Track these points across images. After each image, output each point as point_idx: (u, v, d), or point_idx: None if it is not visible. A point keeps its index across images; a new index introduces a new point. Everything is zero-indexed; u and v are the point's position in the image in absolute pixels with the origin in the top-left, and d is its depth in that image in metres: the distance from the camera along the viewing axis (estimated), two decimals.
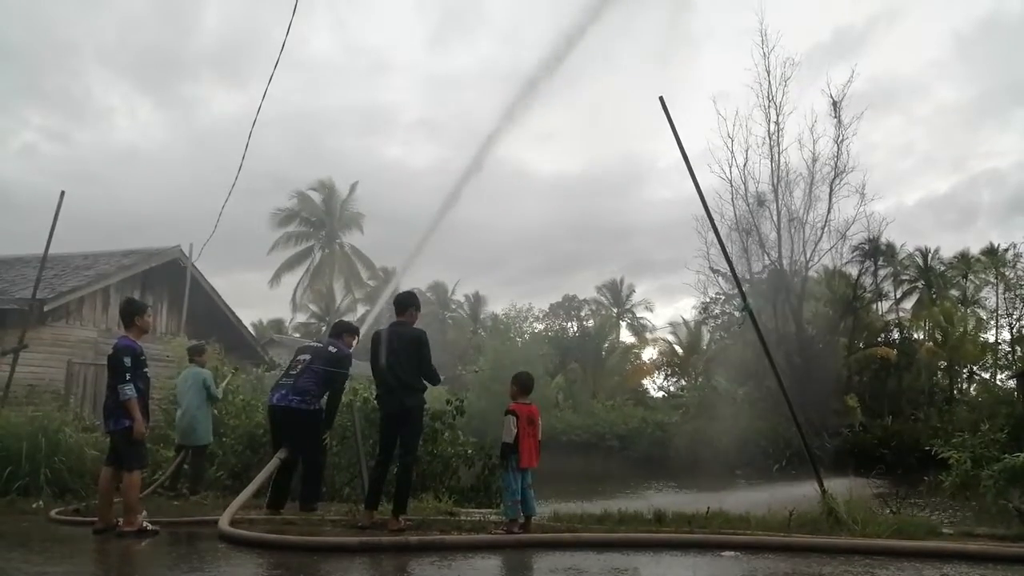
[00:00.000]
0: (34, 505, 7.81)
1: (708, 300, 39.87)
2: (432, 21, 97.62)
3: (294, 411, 7.36)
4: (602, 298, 56.81)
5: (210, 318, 18.93)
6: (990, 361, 42.11)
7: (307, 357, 7.64)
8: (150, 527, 6.30)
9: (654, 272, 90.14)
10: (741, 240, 32.08)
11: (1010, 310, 44.05)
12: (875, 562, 5.60)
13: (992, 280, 45.12)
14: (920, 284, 44.44)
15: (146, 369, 6.54)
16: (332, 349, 7.72)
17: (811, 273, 33.87)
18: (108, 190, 74.24)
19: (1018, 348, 41.08)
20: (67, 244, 14.77)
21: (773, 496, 9.78)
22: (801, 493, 7.93)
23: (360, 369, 9.76)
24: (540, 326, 53.20)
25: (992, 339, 43.43)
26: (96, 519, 6.47)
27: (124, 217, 64.92)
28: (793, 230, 32.39)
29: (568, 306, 56.26)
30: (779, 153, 32.41)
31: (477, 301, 54.40)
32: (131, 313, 6.68)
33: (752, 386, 32.11)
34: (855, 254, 34.21)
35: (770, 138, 32.50)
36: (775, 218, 32.42)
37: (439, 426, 10.18)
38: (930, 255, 44.50)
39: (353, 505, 7.77)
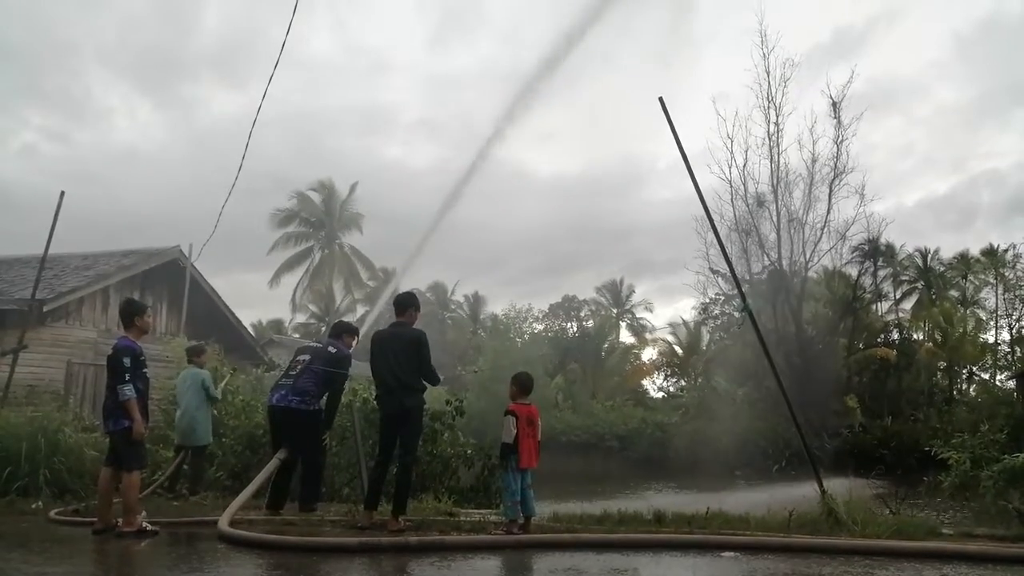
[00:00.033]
0: (33, 505, 7.81)
1: (708, 301, 39.97)
2: (432, 21, 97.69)
3: (294, 411, 7.36)
4: (602, 298, 56.91)
5: (210, 318, 18.92)
6: (990, 362, 42.19)
7: (307, 357, 7.64)
8: (149, 527, 6.30)
9: (654, 272, 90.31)
10: (741, 241, 32.11)
11: (1009, 311, 44.18)
12: (875, 563, 5.60)
13: (992, 281, 45.20)
14: (920, 285, 44.49)
15: (145, 370, 6.54)
16: (332, 349, 7.72)
17: (811, 274, 33.94)
18: (108, 190, 74.37)
19: (1017, 349, 41.14)
20: (67, 244, 14.79)
21: (773, 497, 9.78)
22: (801, 494, 7.92)
23: (360, 369, 9.76)
24: (540, 326, 53.30)
25: (992, 340, 43.55)
26: (95, 519, 6.47)
27: (124, 217, 65.04)
28: (793, 231, 32.45)
29: (568, 306, 56.31)
30: (779, 154, 32.49)
31: (477, 301, 54.45)
32: (131, 313, 6.68)
33: (752, 387, 32.12)
34: (855, 255, 34.28)
35: (770, 139, 32.58)
36: (775, 219, 32.47)
37: (439, 426, 10.18)
38: (930, 256, 44.58)
39: (353, 505, 7.76)
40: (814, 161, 32.28)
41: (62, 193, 10.26)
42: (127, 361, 6.31)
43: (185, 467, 9.22)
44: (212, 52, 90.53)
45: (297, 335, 47.24)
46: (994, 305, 45.37)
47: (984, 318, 45.12)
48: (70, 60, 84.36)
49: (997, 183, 68.04)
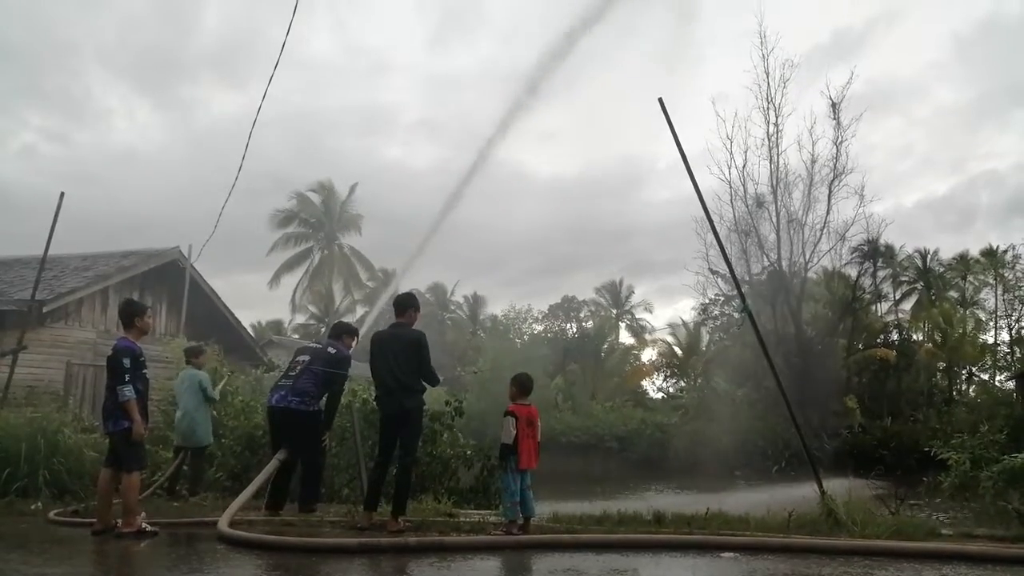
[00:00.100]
0: (33, 506, 7.80)
1: (707, 301, 39.96)
2: (432, 21, 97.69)
3: (293, 412, 7.36)
4: (601, 299, 56.95)
5: (209, 319, 18.92)
6: (989, 362, 42.21)
7: (306, 358, 7.64)
8: (149, 528, 6.30)
9: (653, 273, 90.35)
10: (740, 241, 32.12)
11: (1009, 311, 44.23)
12: (874, 563, 5.60)
13: (991, 281, 45.27)
14: (919, 285, 44.56)
15: (145, 370, 6.53)
16: (331, 350, 7.72)
17: (810, 274, 33.95)
18: (107, 191, 74.36)
19: (1017, 349, 41.17)
20: (66, 245, 14.78)
21: (772, 497, 9.79)
22: (800, 494, 7.93)
23: (359, 370, 9.76)
24: (539, 327, 53.37)
25: (991, 340, 43.58)
26: (95, 520, 6.46)
27: (123, 218, 65.03)
28: (792, 231, 32.46)
29: (567, 307, 56.34)
30: (778, 155, 32.51)
31: (476, 302, 54.43)
32: (131, 314, 6.68)
33: (751, 387, 32.13)
34: (854, 255, 34.27)
35: (769, 140, 32.60)
36: (774, 219, 32.48)
37: (438, 427, 10.18)
38: (929, 256, 44.68)
39: (352, 506, 7.76)
40: (813, 162, 32.36)
41: (62, 194, 10.27)
42: (127, 362, 6.31)
43: (185, 468, 9.22)
44: (212, 52, 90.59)
45: (296, 336, 47.22)
46: (993, 306, 45.53)
47: (983, 319, 45.23)
48: (70, 60, 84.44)
49: (996, 184, 68.21)
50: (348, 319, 34.90)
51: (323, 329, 42.89)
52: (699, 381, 39.53)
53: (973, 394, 39.47)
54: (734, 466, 25.47)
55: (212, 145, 73.62)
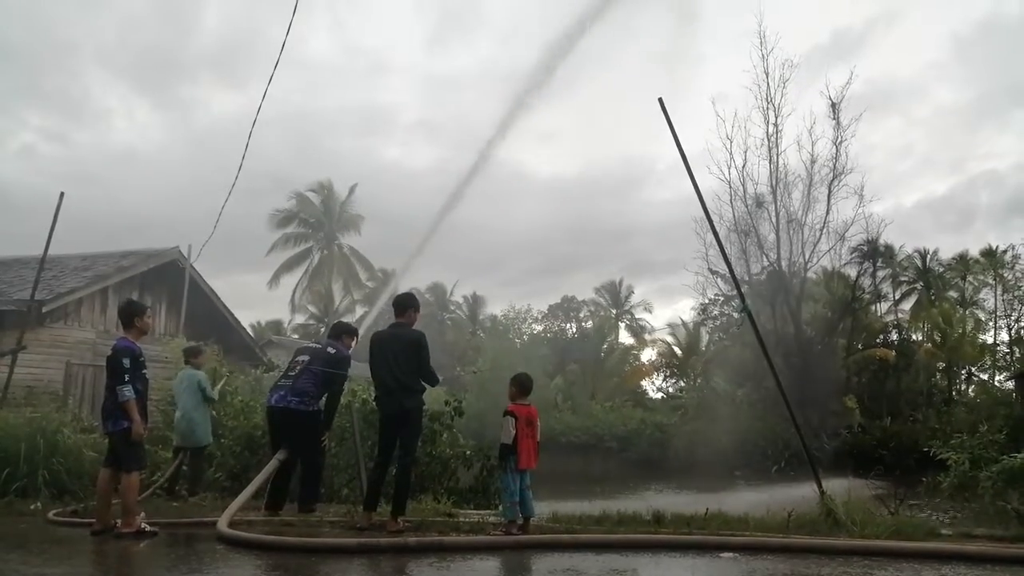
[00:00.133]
0: (32, 506, 7.80)
1: (707, 301, 39.93)
2: (431, 22, 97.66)
3: (293, 412, 7.36)
4: (601, 299, 56.95)
5: (209, 319, 18.92)
6: (988, 362, 42.20)
7: (306, 358, 7.64)
8: (148, 528, 6.30)
9: (653, 273, 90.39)
10: (740, 241, 32.09)
11: (1008, 311, 44.25)
12: (874, 563, 5.60)
13: (990, 281, 45.29)
14: (919, 285, 44.56)
15: (145, 370, 6.54)
16: (331, 350, 7.72)
17: (810, 274, 33.92)
18: (107, 191, 74.36)
19: (1016, 349, 41.17)
20: (65, 245, 14.77)
21: (772, 497, 9.79)
22: (800, 494, 7.93)
23: (359, 370, 9.76)
24: (539, 327, 53.35)
25: (991, 340, 43.59)
26: (94, 520, 6.46)
27: (123, 218, 65.05)
28: (792, 231, 32.42)
29: (567, 307, 56.33)
30: (778, 155, 32.46)
31: (476, 302, 54.44)
32: (131, 314, 6.68)
33: (751, 387, 32.13)
34: (854, 255, 34.23)
35: (769, 140, 32.56)
36: (774, 219, 32.45)
37: (438, 427, 10.18)
38: (929, 256, 44.67)
39: (352, 506, 7.76)
40: (813, 162, 32.32)
41: (61, 194, 10.26)
42: (126, 362, 6.31)
43: (184, 468, 9.22)
44: (211, 52, 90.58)
45: (296, 336, 47.22)
46: (993, 306, 45.53)
47: (983, 319, 45.21)
48: (69, 60, 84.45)
49: (996, 184, 68.24)
50: (347, 319, 34.90)
51: (322, 329, 42.89)
52: (699, 381, 39.54)
53: (972, 394, 39.46)
54: (734, 466, 25.46)
55: (212, 145, 73.70)
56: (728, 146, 32.75)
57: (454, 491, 9.98)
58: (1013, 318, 43.97)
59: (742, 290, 16.34)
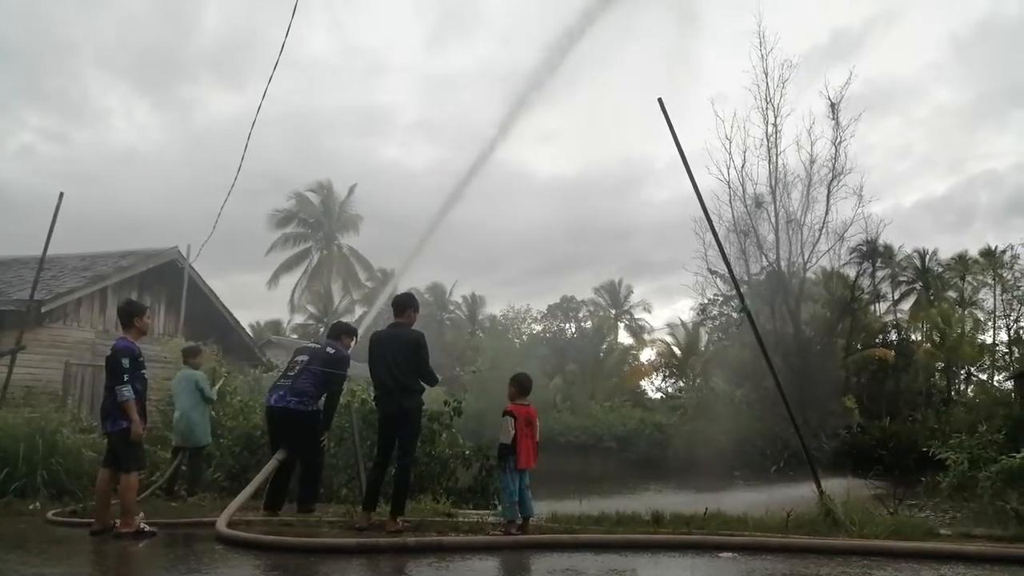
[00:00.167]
0: (31, 506, 7.80)
1: (706, 301, 39.90)
2: (430, 22, 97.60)
3: (292, 412, 7.36)
4: (600, 299, 56.94)
5: (208, 319, 18.92)
6: (988, 362, 42.27)
7: (305, 358, 7.64)
8: (147, 529, 6.30)
9: (652, 273, 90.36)
10: (739, 241, 32.10)
11: (1007, 311, 44.32)
12: (873, 563, 5.61)
13: (989, 282, 45.35)
14: (918, 285, 44.58)
15: (144, 371, 6.53)
16: (330, 350, 7.72)
17: (809, 274, 33.95)
18: (106, 191, 74.22)
19: (1015, 349, 41.22)
20: (65, 245, 14.76)
21: (771, 497, 9.80)
22: (799, 494, 7.94)
23: (358, 370, 9.76)
24: (538, 327, 53.30)
25: (990, 340, 43.65)
26: (93, 521, 6.46)
27: (122, 218, 64.93)
28: (791, 232, 32.43)
29: (566, 307, 56.31)
30: (777, 155, 32.46)
31: (475, 302, 54.40)
32: (130, 314, 6.68)
33: (750, 387, 32.13)
34: (853, 255, 34.25)
35: (768, 140, 32.56)
36: (773, 220, 32.45)
37: (437, 427, 10.18)
38: (928, 256, 44.71)
39: (351, 506, 7.76)
40: (812, 162, 32.33)
41: (61, 194, 10.25)
42: (126, 362, 6.31)
43: (183, 468, 9.21)
44: (211, 53, 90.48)
45: (295, 336, 47.19)
46: (992, 306, 45.59)
47: (982, 319, 45.27)
48: (69, 60, 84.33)
49: (995, 184, 68.27)
50: (347, 319, 34.88)
51: (322, 329, 42.87)
52: (698, 381, 39.55)
53: (971, 394, 39.51)
54: (733, 466, 25.45)
55: (211, 145, 73.58)
56: (727, 146, 32.83)
57: (453, 491, 9.98)
58: (1012, 318, 44.09)
59: (741, 290, 16.35)
